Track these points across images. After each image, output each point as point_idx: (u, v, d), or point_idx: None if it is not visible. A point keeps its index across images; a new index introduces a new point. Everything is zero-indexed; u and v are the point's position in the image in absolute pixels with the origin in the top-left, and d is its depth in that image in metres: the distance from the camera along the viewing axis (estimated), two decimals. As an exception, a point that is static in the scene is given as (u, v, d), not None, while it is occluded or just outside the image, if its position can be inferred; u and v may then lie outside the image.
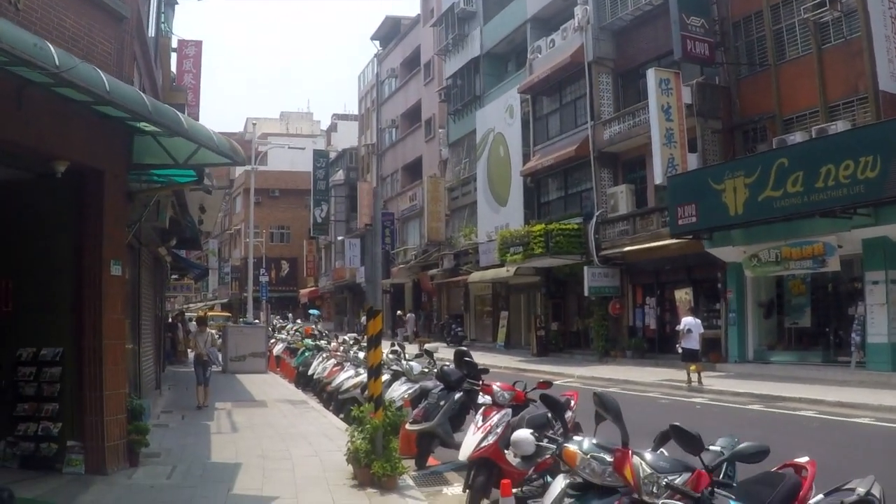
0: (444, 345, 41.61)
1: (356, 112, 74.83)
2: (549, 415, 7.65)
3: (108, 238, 10.09)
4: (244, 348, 27.74)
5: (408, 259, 53.31)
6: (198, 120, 20.09)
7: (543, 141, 36.80)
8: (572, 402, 9.67)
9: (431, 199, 47.07)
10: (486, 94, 43.07)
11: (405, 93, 57.96)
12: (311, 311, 58.13)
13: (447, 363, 13.62)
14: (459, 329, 44.53)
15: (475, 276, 40.61)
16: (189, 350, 34.89)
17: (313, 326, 31.90)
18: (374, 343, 9.84)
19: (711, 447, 5.95)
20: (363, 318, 51.50)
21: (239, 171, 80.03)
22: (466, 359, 11.27)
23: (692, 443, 4.96)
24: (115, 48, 10.56)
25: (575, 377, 26.13)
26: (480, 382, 10.06)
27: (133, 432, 10.57)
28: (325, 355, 20.46)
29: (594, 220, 32.06)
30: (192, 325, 56.38)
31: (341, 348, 19.33)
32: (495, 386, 9.21)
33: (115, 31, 10.63)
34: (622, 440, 5.22)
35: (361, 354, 16.26)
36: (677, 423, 5.05)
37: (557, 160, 34.24)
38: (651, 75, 27.54)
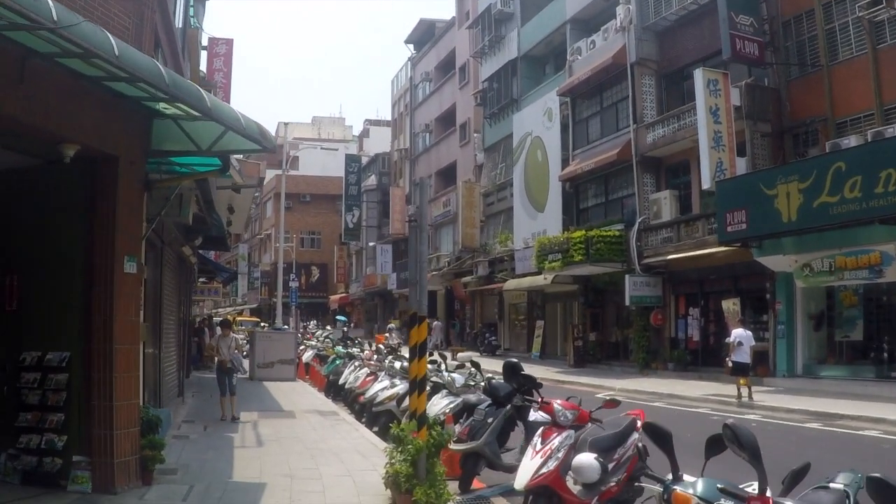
0: (478, 354, 40.66)
1: (389, 117, 74.11)
2: (642, 446, 6.53)
3: (121, 231, 9.07)
4: (272, 355, 26.74)
5: (440, 266, 52.34)
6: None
7: (583, 145, 35.67)
8: (638, 423, 8.59)
9: (466, 204, 45.98)
10: (524, 97, 42.01)
11: (439, 97, 57.02)
12: (337, 318, 57.27)
13: (493, 376, 12.63)
14: (493, 338, 43.43)
15: (510, 283, 39.51)
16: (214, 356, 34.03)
17: (387, 336, 31.01)
18: (417, 353, 8.70)
19: (832, 484, 4.84)
20: (393, 325, 50.99)
21: (270, 174, 79.64)
22: (521, 372, 10.11)
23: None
24: (134, 23, 9.62)
25: (616, 390, 24.90)
26: (539, 399, 8.87)
27: (147, 447, 9.52)
28: (357, 364, 19.41)
29: (636, 226, 30.91)
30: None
31: (375, 357, 18.26)
32: (556, 404, 8.09)
33: (135, 4, 9.64)
34: (759, 486, 4.13)
35: (398, 364, 15.22)
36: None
37: (598, 164, 33.09)
38: (699, 76, 26.37)
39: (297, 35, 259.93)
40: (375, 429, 14.94)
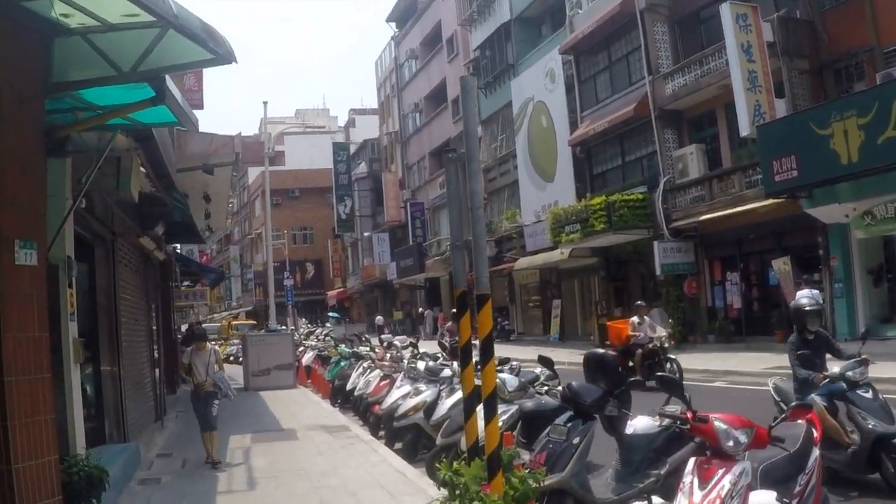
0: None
1: (375, 103, 71.15)
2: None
3: (8, 203, 5.97)
4: (267, 360, 23.61)
5: (442, 251, 49.29)
6: (198, 120, 16.36)
7: (592, 105, 32.57)
8: (815, 433, 5.65)
9: (466, 181, 42.81)
10: (521, 61, 38.84)
11: (427, 73, 53.84)
12: (330, 314, 54.54)
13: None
14: (506, 322, 40.32)
15: (522, 262, 36.43)
16: (185, 377, 30.26)
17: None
18: (484, 355, 5.50)
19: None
20: (398, 317, 48.13)
21: (254, 172, 76.52)
22: (612, 368, 7.04)
23: None
24: None
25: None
26: (684, 412, 5.64)
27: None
28: (366, 365, 16.33)
29: (661, 187, 27.88)
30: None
31: (389, 356, 15.12)
32: (718, 422, 4.93)
33: None
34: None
35: (421, 365, 12.13)
36: None
37: (612, 123, 30.02)
38: (726, 11, 23.35)
39: (272, 26, 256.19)
40: (398, 444, 11.95)
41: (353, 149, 68.95)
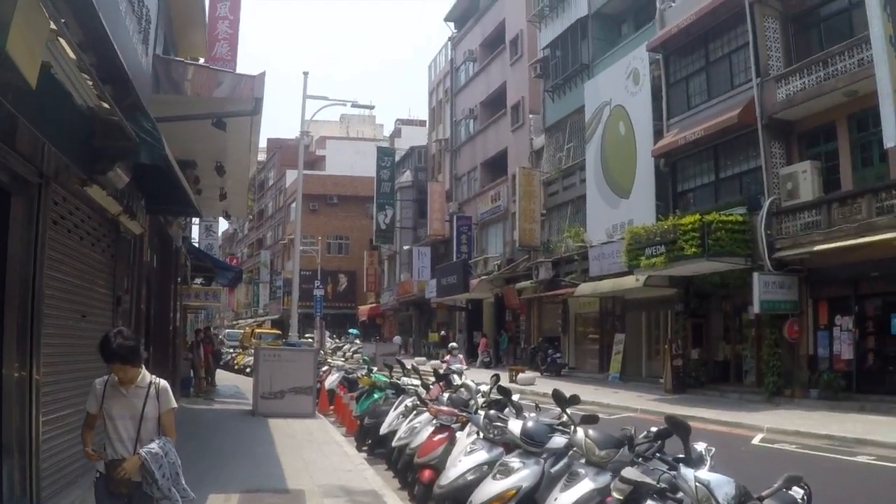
0: (538, 374, 33.34)
1: (421, 117, 67.49)
2: None
3: None
4: (282, 381, 19.06)
5: (489, 270, 44.99)
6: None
7: (682, 111, 28.11)
8: None
9: (524, 194, 38.29)
10: (597, 62, 34.55)
11: (486, 77, 49.60)
12: (350, 331, 50.55)
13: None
14: (558, 355, 35.69)
15: (584, 287, 31.93)
16: (201, 376, 26.04)
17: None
18: None
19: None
20: (433, 338, 43.98)
21: (292, 176, 73.07)
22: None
23: None
24: None
25: (765, 430, 17.69)
26: None
27: None
28: (409, 403, 11.87)
29: (764, 210, 23.41)
30: (226, 347, 48.44)
31: (447, 396, 10.54)
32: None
33: None
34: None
35: (515, 426, 7.60)
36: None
37: (707, 132, 25.55)
38: (872, -4, 19.05)
39: (323, 31, 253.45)
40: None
41: (398, 156, 64.81)
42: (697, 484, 4.82)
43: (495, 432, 8.08)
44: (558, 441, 7.26)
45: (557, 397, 7.62)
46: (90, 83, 6.34)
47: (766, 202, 23.57)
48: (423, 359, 41.84)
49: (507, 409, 8.93)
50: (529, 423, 7.34)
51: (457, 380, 11.68)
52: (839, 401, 21.35)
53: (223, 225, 68.74)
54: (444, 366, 21.89)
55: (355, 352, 32.04)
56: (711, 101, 26.73)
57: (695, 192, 28.22)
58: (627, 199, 30.08)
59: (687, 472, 4.91)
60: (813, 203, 22.33)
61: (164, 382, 6.08)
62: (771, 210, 23.41)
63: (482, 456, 7.92)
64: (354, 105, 31.56)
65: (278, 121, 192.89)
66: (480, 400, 9.86)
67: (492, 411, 8.58)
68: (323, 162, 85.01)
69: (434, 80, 60.98)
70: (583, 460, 6.70)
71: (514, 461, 7.10)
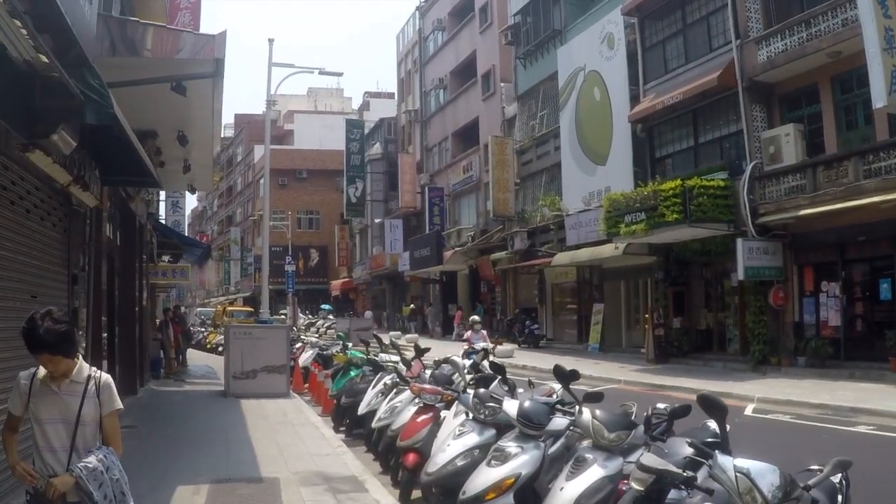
0: (516, 346, 32.77)
1: (390, 90, 66.61)
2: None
3: None
4: (254, 360, 18.31)
5: (462, 241, 44.28)
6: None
7: (659, 75, 27.42)
8: None
9: (497, 163, 37.52)
10: (570, 27, 33.72)
11: (455, 46, 48.75)
12: (322, 306, 49.79)
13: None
14: (535, 326, 35.19)
15: (561, 257, 31.29)
16: (171, 357, 25.11)
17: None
18: None
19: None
20: (406, 312, 43.38)
21: (260, 151, 72.05)
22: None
23: None
24: None
25: (755, 400, 17.20)
26: None
27: None
28: (388, 381, 11.19)
29: (746, 174, 22.86)
30: (198, 326, 47.49)
31: (428, 373, 9.80)
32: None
33: None
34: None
35: (510, 406, 6.85)
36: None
37: (686, 96, 24.92)
38: (859, -49, 18.46)
39: (287, 4, 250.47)
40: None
41: (367, 128, 63.85)
42: (738, 474, 4.15)
43: (486, 413, 7.39)
44: (560, 423, 6.58)
45: (559, 373, 6.96)
46: (24, 32, 5.54)
47: (749, 166, 23.05)
48: (398, 333, 41.29)
49: (493, 384, 8.27)
50: (527, 403, 6.62)
51: (485, 365, 10.45)
52: (827, 368, 21.00)
53: (192, 202, 67.70)
54: (466, 345, 21.10)
55: (329, 327, 31.15)
56: (689, 65, 26.08)
57: (673, 158, 27.61)
58: (604, 165, 29.44)
59: (725, 461, 4.23)
60: (797, 167, 21.82)
61: (106, 376, 4.80)
62: (753, 174, 22.88)
63: (473, 439, 7.24)
64: (322, 73, 30.57)
65: (246, 95, 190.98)
66: (468, 377, 9.15)
67: (482, 390, 7.89)
68: (291, 136, 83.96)
69: (402, 50, 60.02)
70: (586, 443, 6.08)
71: (510, 445, 6.38)
